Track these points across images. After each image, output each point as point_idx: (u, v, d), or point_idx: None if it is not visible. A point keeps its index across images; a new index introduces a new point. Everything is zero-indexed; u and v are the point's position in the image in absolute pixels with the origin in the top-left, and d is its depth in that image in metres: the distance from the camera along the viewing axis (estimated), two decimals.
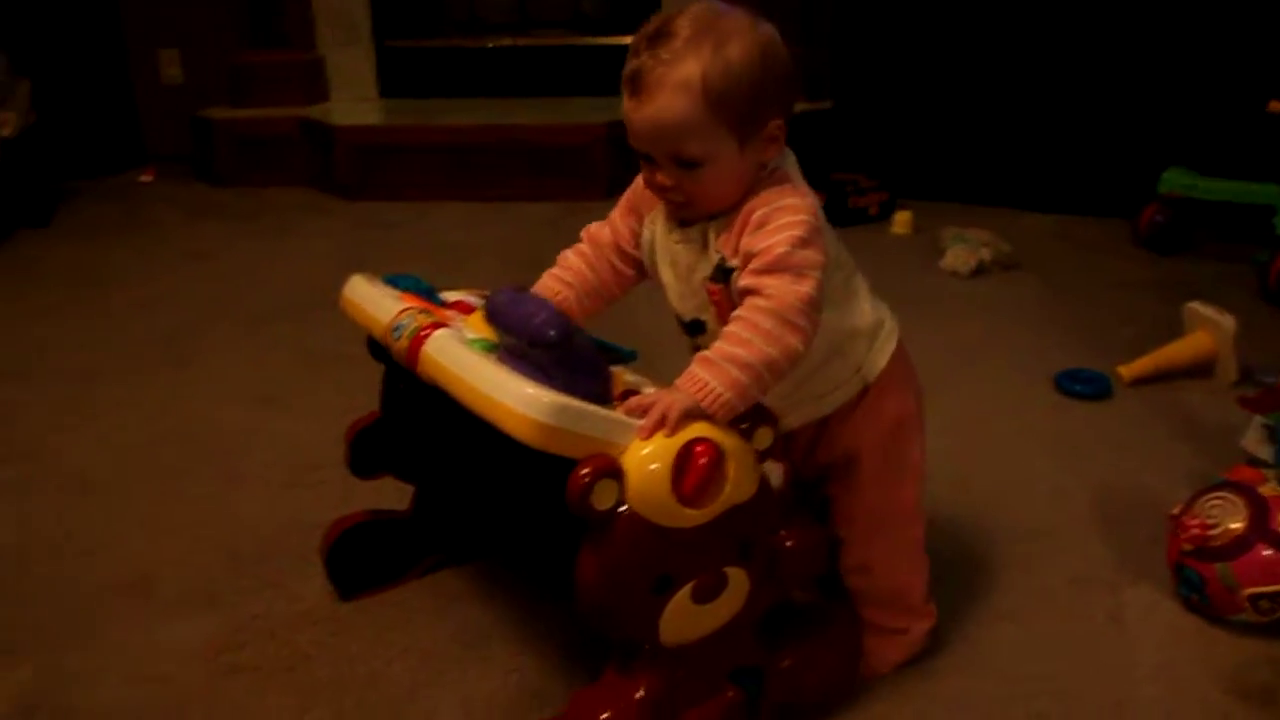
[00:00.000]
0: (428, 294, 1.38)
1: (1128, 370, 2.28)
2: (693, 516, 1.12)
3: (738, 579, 1.20)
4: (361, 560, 1.59)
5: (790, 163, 1.25)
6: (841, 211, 3.53)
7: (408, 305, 1.30)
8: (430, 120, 4.28)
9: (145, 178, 4.53)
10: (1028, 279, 3.02)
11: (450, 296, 1.43)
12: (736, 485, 1.15)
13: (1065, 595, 1.58)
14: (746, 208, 1.19)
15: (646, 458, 1.09)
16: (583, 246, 1.39)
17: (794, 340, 1.14)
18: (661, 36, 1.16)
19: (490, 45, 4.64)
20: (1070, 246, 3.34)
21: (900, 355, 1.35)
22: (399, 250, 3.48)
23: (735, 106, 1.15)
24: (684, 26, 1.15)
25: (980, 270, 3.02)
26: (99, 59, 4.56)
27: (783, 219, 1.17)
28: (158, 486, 1.94)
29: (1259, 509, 1.47)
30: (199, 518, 1.83)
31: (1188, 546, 1.50)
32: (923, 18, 3.78)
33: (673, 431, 1.10)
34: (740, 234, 1.19)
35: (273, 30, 4.51)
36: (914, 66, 3.82)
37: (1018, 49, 3.64)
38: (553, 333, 1.10)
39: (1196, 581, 1.49)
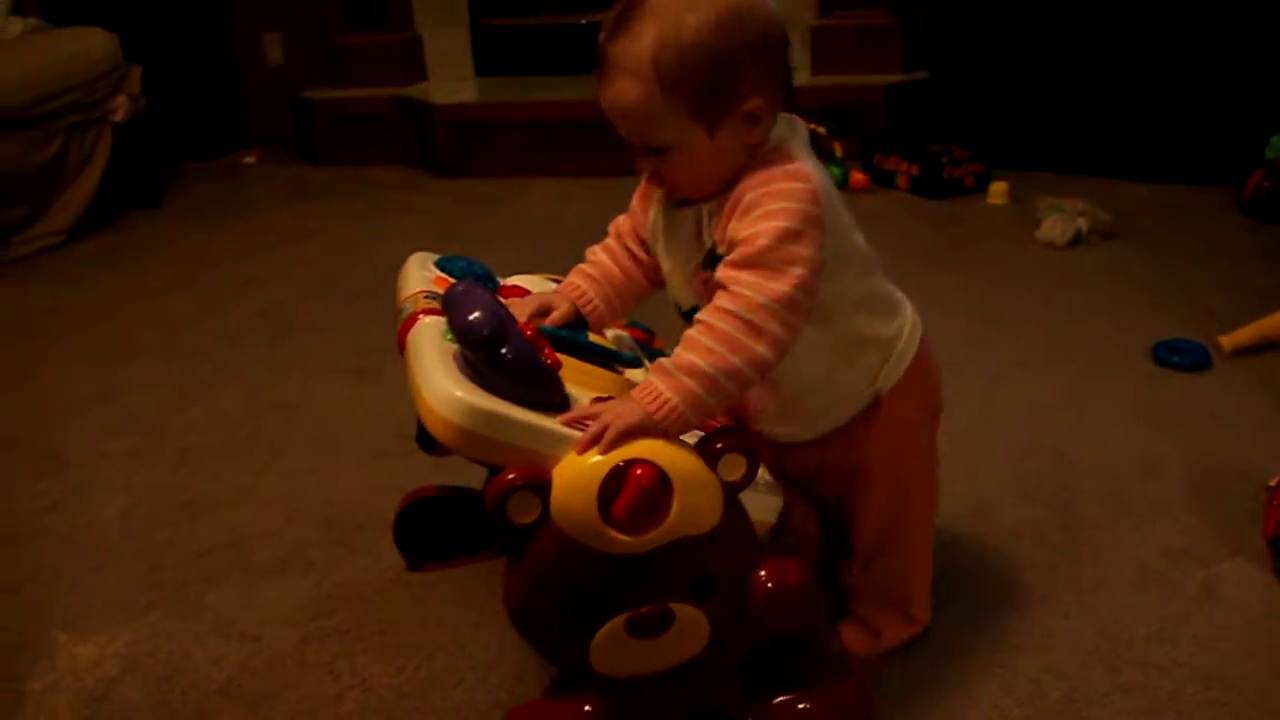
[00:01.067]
0: (480, 278, 1.33)
1: (1229, 340, 2.22)
2: (626, 543, 1.03)
3: (690, 618, 1.10)
4: (431, 533, 1.60)
5: (798, 137, 1.15)
6: (937, 183, 3.47)
7: (421, 289, 1.26)
8: (526, 97, 4.29)
9: (249, 159, 4.64)
10: (1126, 248, 2.95)
11: (510, 281, 1.39)
12: (687, 515, 1.05)
13: (1158, 568, 1.55)
14: (738, 190, 1.09)
15: (574, 473, 1.02)
16: (609, 241, 1.31)
17: (761, 348, 1.04)
18: (625, 13, 1.07)
19: (584, 21, 4.65)
20: (1171, 215, 3.25)
21: (919, 361, 1.26)
22: (493, 227, 3.52)
23: (693, 89, 1.06)
24: (648, 1, 1.06)
25: (1077, 240, 2.96)
26: (205, 44, 4.68)
27: (772, 205, 1.06)
28: (258, 457, 2.00)
29: None
30: (296, 487, 1.88)
31: None
32: None
33: (608, 448, 1.01)
34: (730, 218, 1.09)
35: (372, 12, 4.57)
36: (1010, 35, 3.73)
37: (1115, 13, 3.53)
38: (479, 334, 1.03)
39: None
